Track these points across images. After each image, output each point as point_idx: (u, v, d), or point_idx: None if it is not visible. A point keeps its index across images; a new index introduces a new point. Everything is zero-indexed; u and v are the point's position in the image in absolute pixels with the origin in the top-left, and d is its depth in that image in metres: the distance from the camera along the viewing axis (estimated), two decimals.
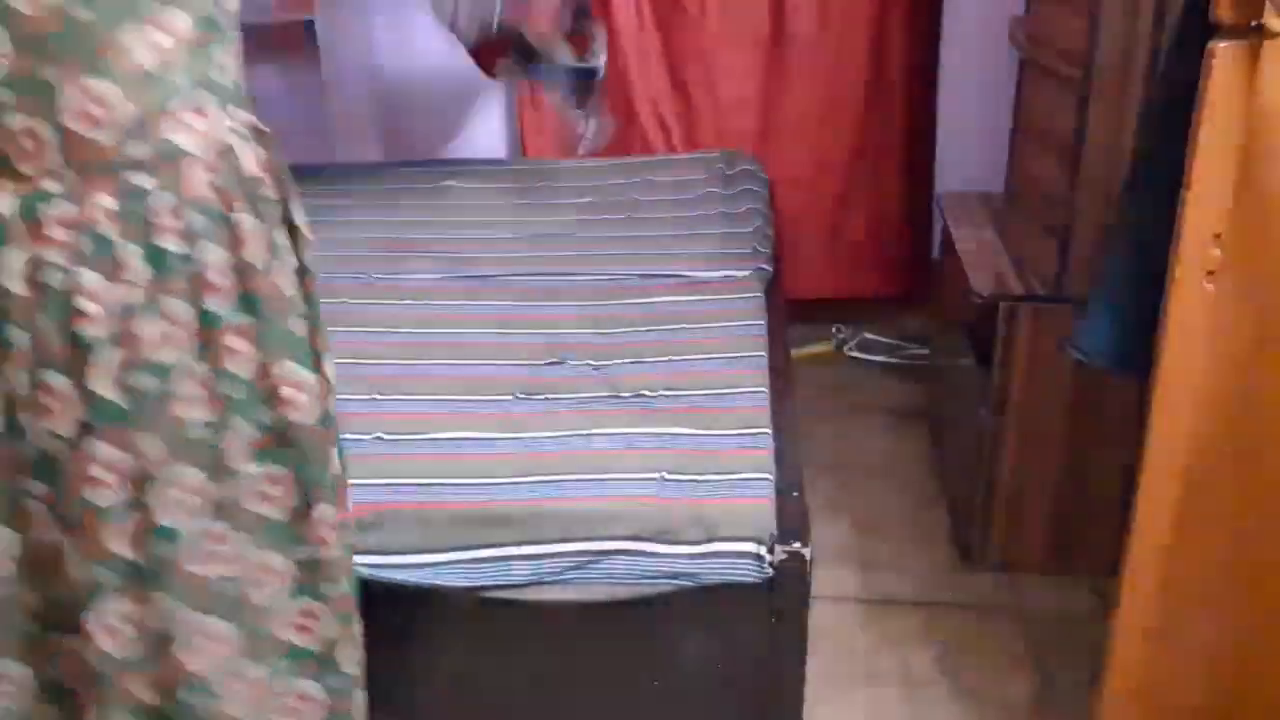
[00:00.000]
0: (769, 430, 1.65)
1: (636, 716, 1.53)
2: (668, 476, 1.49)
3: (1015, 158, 2.28)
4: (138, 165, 1.03)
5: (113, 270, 1.03)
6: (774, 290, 2.19)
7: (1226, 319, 1.35)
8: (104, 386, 1.04)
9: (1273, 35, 1.24)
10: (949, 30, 3.02)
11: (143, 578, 1.10)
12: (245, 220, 1.09)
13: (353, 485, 1.50)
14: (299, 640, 1.20)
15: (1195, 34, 1.32)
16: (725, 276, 2.19)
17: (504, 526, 1.43)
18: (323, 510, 1.17)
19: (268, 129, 1.17)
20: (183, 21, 1.01)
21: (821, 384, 2.92)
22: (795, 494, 1.49)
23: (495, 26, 1.95)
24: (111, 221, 1.02)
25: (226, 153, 1.09)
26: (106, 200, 1.02)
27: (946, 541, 2.30)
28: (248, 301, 1.09)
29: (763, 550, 1.40)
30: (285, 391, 1.12)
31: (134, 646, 1.13)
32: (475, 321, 2.03)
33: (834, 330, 3.16)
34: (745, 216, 2.51)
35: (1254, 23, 1.24)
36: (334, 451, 1.21)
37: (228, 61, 1.09)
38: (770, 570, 1.40)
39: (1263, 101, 1.27)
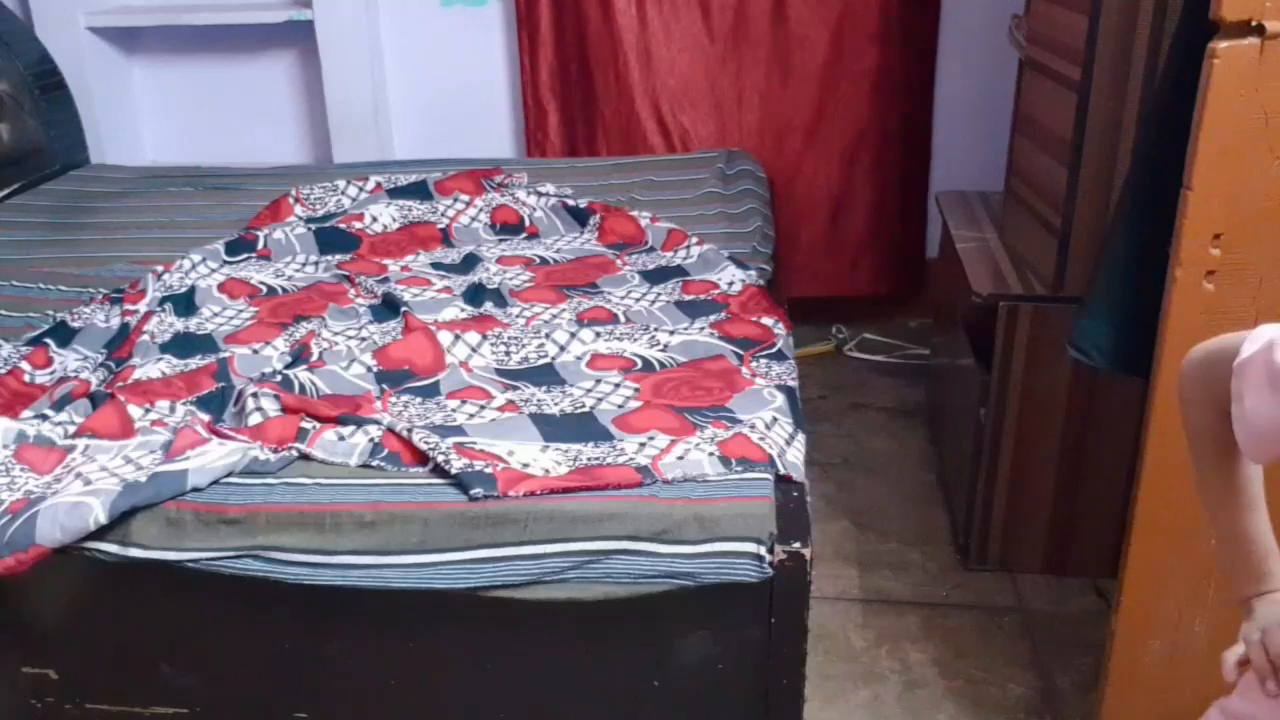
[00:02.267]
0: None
1: (636, 717, 1.53)
2: (668, 476, 1.49)
3: (1015, 157, 2.28)
4: None
5: None
6: (774, 290, 2.19)
7: (1226, 319, 1.35)
8: None
9: (1273, 35, 1.24)
10: (949, 29, 3.03)
11: None
12: None
13: (352, 485, 1.51)
14: None
15: (1195, 34, 1.32)
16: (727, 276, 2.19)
17: (504, 526, 1.43)
18: None
19: None
20: None
21: (821, 384, 2.93)
22: (795, 494, 1.48)
23: None
24: None
25: None
26: None
27: (946, 541, 2.30)
28: None
29: (763, 550, 1.40)
30: None
31: None
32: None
33: (834, 330, 3.17)
34: (745, 216, 2.52)
35: (1254, 23, 1.24)
36: None
37: None
38: (770, 570, 1.40)
39: (1263, 101, 1.27)
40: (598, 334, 1.91)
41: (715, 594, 1.42)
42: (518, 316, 2.02)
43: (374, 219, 2.49)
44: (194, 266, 2.26)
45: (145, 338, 1.97)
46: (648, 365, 1.82)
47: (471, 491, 1.44)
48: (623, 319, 1.99)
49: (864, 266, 3.21)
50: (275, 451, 1.57)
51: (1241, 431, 0.91)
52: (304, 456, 1.57)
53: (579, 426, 1.63)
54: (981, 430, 2.09)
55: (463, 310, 2.04)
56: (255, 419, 1.63)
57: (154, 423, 1.68)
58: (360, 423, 1.62)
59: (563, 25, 3.08)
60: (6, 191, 2.83)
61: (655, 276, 2.21)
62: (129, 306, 2.11)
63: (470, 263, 2.31)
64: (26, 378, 1.89)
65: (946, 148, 3.13)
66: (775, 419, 1.62)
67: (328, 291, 2.17)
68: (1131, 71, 1.76)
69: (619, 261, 2.30)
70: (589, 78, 3.11)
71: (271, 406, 1.66)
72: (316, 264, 2.34)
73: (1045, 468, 2.09)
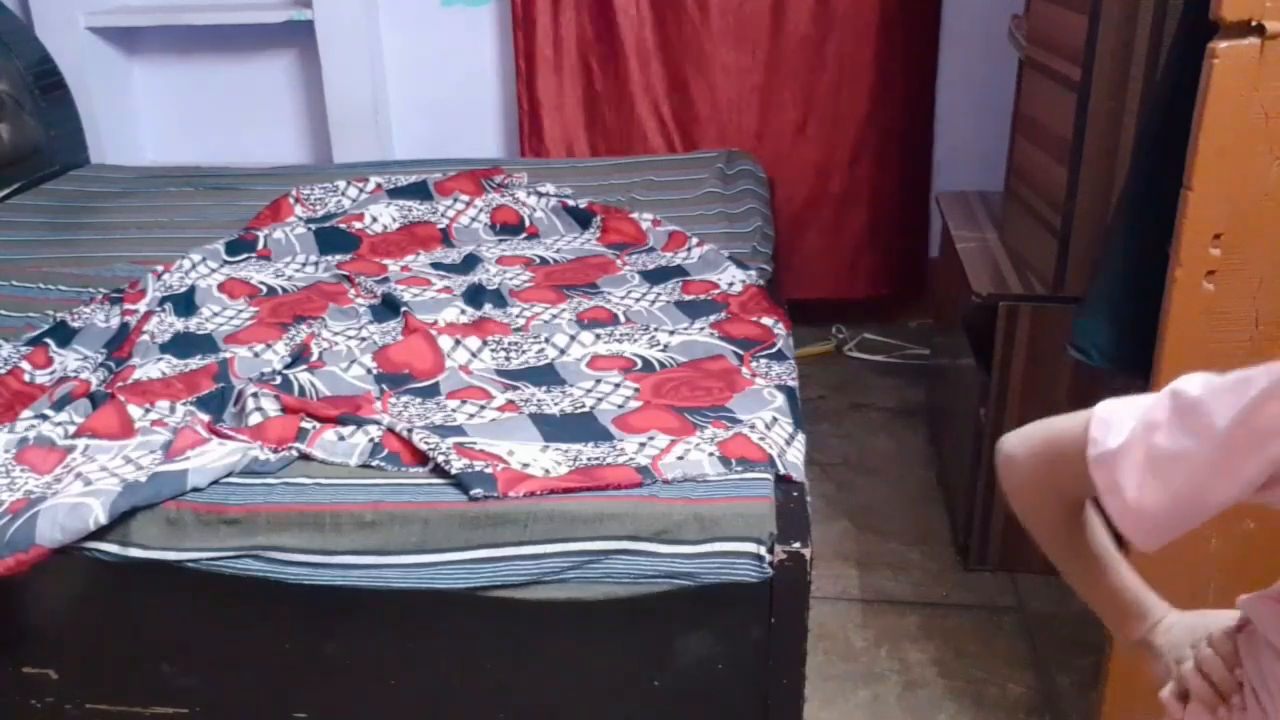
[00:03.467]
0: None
1: (636, 716, 1.53)
2: (668, 476, 1.49)
3: (1015, 157, 2.28)
4: None
5: None
6: (774, 290, 2.19)
7: (1226, 319, 1.35)
8: None
9: (1273, 35, 1.24)
10: (949, 29, 3.03)
11: None
12: None
13: (352, 485, 1.51)
14: None
15: (1195, 34, 1.32)
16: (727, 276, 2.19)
17: (504, 526, 1.43)
18: None
19: None
20: None
21: (822, 384, 2.93)
22: (795, 494, 1.48)
23: None
24: None
25: None
26: None
27: (946, 541, 2.30)
28: None
29: (763, 550, 1.40)
30: None
31: None
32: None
33: (834, 330, 3.16)
34: (745, 216, 2.52)
35: (1254, 23, 1.24)
36: None
37: None
38: (770, 570, 1.40)
39: (1263, 101, 1.27)
40: (597, 336, 1.91)
41: (715, 594, 1.42)
42: (518, 317, 2.02)
43: (374, 219, 2.50)
44: (194, 266, 2.26)
45: (145, 338, 1.97)
46: (648, 365, 1.82)
47: (471, 492, 1.45)
48: (623, 319, 1.99)
49: (864, 267, 3.21)
50: (275, 451, 1.57)
51: (1129, 524, 0.83)
52: (304, 456, 1.57)
53: (579, 426, 1.63)
54: (981, 430, 2.09)
55: (463, 311, 2.04)
56: (255, 419, 1.63)
57: (154, 423, 1.68)
58: (360, 423, 1.62)
59: (562, 25, 3.07)
60: (6, 191, 2.83)
61: (655, 276, 2.21)
62: (129, 306, 2.11)
63: (470, 263, 2.31)
64: (26, 378, 1.89)
65: (946, 148, 3.13)
66: (775, 419, 1.62)
67: (328, 291, 2.17)
68: (1131, 71, 1.76)
69: (619, 261, 2.30)
70: (589, 77, 3.11)
71: (271, 406, 1.66)
72: (316, 264, 2.34)
73: None
